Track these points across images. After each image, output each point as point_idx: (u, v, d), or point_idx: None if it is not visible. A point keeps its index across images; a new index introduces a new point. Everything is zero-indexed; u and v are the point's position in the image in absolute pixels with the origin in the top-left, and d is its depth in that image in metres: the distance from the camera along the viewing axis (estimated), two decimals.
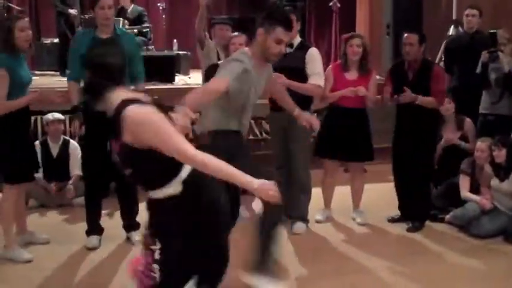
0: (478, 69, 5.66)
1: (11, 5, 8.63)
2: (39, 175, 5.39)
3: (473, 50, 5.87)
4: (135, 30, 8.31)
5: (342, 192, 5.48)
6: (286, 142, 4.91)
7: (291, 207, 4.80)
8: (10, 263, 4.29)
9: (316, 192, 5.24)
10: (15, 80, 4.18)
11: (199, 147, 3.42)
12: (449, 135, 5.60)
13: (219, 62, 4.94)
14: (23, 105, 4.25)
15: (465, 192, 5.16)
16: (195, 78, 8.02)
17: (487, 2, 7.09)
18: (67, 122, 6.13)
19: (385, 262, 4.38)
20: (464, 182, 5.21)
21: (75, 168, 5.76)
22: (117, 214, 4.90)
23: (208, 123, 3.54)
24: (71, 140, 5.97)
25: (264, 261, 3.54)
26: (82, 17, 8.52)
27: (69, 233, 4.97)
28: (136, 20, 8.70)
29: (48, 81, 7.95)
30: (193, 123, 3.02)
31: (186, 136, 2.56)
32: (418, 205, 5.13)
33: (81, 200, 5.19)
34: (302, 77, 4.73)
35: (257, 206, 4.04)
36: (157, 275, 2.50)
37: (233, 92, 3.34)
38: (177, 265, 2.49)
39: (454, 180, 5.33)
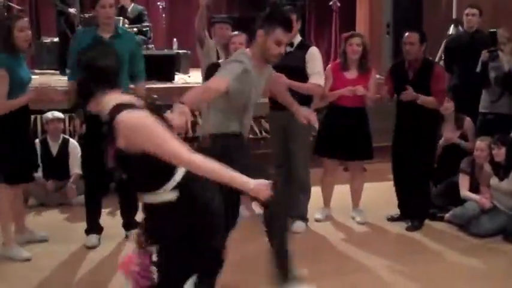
0: (478, 68, 5.66)
1: (11, 4, 8.63)
2: (38, 174, 5.39)
3: (473, 49, 5.87)
4: (135, 29, 8.31)
5: (342, 191, 5.48)
6: (286, 141, 4.91)
7: (290, 206, 4.80)
8: (9, 262, 4.30)
9: (316, 191, 5.24)
10: (15, 80, 4.18)
11: (200, 150, 3.43)
12: (449, 134, 5.60)
13: (219, 61, 4.95)
14: (23, 104, 4.25)
15: (465, 191, 5.16)
16: (194, 77, 8.02)
17: (487, 1, 7.09)
18: (67, 120, 6.16)
19: (384, 261, 4.38)
20: (463, 181, 5.21)
21: (75, 167, 5.77)
22: (117, 213, 4.90)
23: (208, 127, 3.54)
24: (71, 139, 5.98)
25: (287, 270, 3.58)
26: (82, 16, 8.53)
27: (68, 232, 4.97)
28: (136, 19, 8.70)
29: (48, 80, 7.92)
30: (193, 123, 3.03)
31: (184, 135, 2.55)
32: (418, 204, 5.13)
33: (80, 198, 5.19)
34: (302, 76, 4.72)
35: (257, 206, 4.06)
36: (155, 276, 2.50)
37: (233, 92, 3.35)
38: (174, 267, 2.49)
39: (454, 179, 5.33)
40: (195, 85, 6.38)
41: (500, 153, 4.90)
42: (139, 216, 4.46)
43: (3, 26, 4.23)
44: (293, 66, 4.63)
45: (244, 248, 4.32)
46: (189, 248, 2.48)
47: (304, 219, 5.05)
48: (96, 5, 4.48)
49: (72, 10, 8.45)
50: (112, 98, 2.41)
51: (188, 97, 3.10)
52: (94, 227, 4.70)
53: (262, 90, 3.69)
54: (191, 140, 5.96)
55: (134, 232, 3.00)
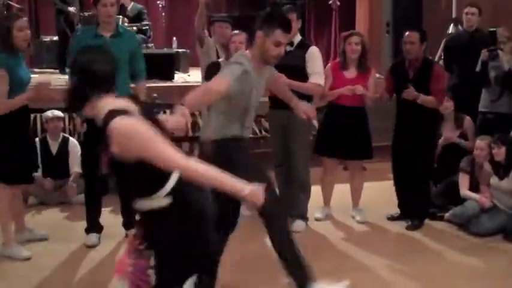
0: (478, 68, 5.66)
1: (10, 2, 8.62)
2: (38, 174, 5.39)
3: (473, 48, 5.86)
4: (135, 28, 8.30)
5: (342, 190, 5.48)
6: (286, 140, 4.91)
7: (290, 205, 4.81)
8: (9, 261, 4.30)
9: (316, 190, 5.24)
10: (15, 79, 4.17)
11: (202, 155, 3.43)
12: (449, 133, 5.59)
13: (219, 60, 4.95)
14: (24, 101, 4.24)
15: (464, 191, 5.16)
16: (194, 76, 8.01)
17: (487, 1, 7.08)
18: (66, 119, 6.15)
19: (384, 260, 4.39)
20: (463, 180, 5.21)
21: (75, 166, 5.76)
22: (117, 212, 4.90)
23: (210, 132, 3.52)
24: (70, 138, 5.97)
25: (305, 275, 3.56)
26: (81, 14, 8.52)
27: (68, 231, 4.97)
28: (136, 18, 8.69)
29: (48, 79, 7.92)
30: (193, 123, 3.02)
31: (185, 136, 2.54)
32: (418, 203, 5.13)
33: (80, 197, 5.19)
34: (302, 75, 4.72)
35: (245, 209, 4.05)
36: (152, 278, 2.50)
37: (234, 94, 3.33)
38: (169, 271, 2.49)
39: (454, 179, 5.33)
40: (195, 84, 6.40)
41: (500, 153, 4.90)
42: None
43: (2, 26, 4.22)
44: (293, 66, 4.62)
45: (244, 248, 4.33)
46: (183, 253, 2.48)
47: (304, 218, 5.05)
48: (97, 4, 4.47)
49: (71, 9, 8.45)
50: (107, 103, 2.38)
51: (189, 99, 3.11)
52: (94, 226, 4.70)
53: (262, 91, 3.68)
54: (191, 139, 5.98)
55: (130, 233, 2.99)
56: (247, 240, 4.38)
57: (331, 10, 10.03)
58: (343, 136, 5.03)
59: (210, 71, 4.35)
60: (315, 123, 5.24)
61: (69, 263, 4.32)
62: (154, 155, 2.30)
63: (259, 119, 6.66)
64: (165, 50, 9.12)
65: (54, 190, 5.74)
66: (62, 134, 5.92)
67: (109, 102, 2.39)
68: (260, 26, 3.40)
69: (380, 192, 5.80)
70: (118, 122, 2.28)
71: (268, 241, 3.63)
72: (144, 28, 8.68)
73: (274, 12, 3.43)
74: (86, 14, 8.38)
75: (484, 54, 5.57)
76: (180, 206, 2.47)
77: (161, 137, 2.34)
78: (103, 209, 4.82)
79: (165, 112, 6.29)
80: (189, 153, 4.29)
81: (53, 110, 5.77)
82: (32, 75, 4.62)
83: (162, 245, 2.48)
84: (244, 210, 4.17)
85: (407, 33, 4.98)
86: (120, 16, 8.10)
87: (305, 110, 3.96)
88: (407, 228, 5.07)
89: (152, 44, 9.01)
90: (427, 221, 5.18)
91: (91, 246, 4.58)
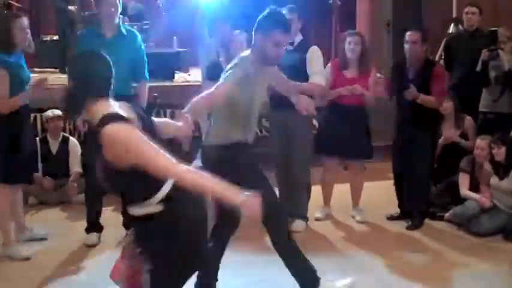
0: (478, 67, 5.66)
1: (11, 2, 8.62)
2: (38, 173, 5.39)
3: (473, 48, 5.86)
4: (135, 27, 8.29)
5: (342, 190, 5.48)
6: (286, 140, 4.91)
7: (290, 205, 4.80)
8: (8, 261, 4.30)
9: (316, 190, 5.24)
10: (15, 79, 4.17)
11: (204, 161, 3.42)
12: (449, 133, 5.59)
13: (219, 60, 4.94)
14: (24, 99, 4.24)
15: (465, 190, 5.16)
16: (194, 75, 8.01)
17: (487, 0, 7.07)
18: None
19: (384, 260, 4.39)
20: (463, 180, 5.21)
21: (75, 165, 5.77)
22: (117, 212, 4.90)
23: (212, 138, 3.52)
24: (71, 137, 5.98)
25: (308, 275, 3.59)
26: (82, 13, 8.51)
27: (68, 231, 4.97)
28: (136, 17, 8.69)
29: (48, 78, 7.92)
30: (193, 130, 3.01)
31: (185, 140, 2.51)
32: (418, 203, 5.13)
33: (81, 197, 5.19)
34: (303, 75, 4.72)
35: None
36: (147, 283, 2.50)
37: (235, 98, 3.32)
38: (165, 275, 2.49)
39: (454, 178, 5.33)
40: (195, 84, 6.40)
41: (500, 153, 4.90)
42: None
43: (2, 25, 4.22)
44: (293, 66, 4.62)
45: (244, 248, 4.32)
46: (176, 257, 2.48)
47: (304, 218, 5.05)
48: (99, 4, 4.47)
49: (72, 8, 8.44)
50: (102, 108, 2.36)
51: (193, 105, 3.15)
52: (94, 226, 4.70)
53: (264, 93, 3.67)
54: (191, 139, 5.96)
55: (126, 236, 2.98)
56: (247, 240, 4.38)
57: (331, 9, 10.01)
58: (344, 136, 5.03)
59: (210, 71, 4.35)
60: (315, 122, 5.26)
61: (69, 263, 4.32)
62: (146, 162, 2.27)
63: (260, 118, 6.65)
64: (165, 50, 9.11)
65: (54, 190, 5.75)
66: (62, 133, 5.92)
67: (104, 107, 2.36)
68: (259, 26, 3.39)
69: (380, 192, 5.79)
70: (110, 128, 2.25)
71: (268, 241, 3.64)
72: (144, 27, 8.68)
73: (273, 13, 3.42)
74: (87, 13, 8.37)
75: (484, 54, 5.57)
76: (173, 213, 2.45)
77: (154, 144, 2.30)
78: (103, 209, 4.82)
79: (165, 112, 6.35)
80: (189, 153, 4.26)
81: (53, 110, 5.78)
82: (32, 75, 4.61)
83: (155, 250, 2.47)
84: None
85: (409, 32, 4.97)
86: (121, 15, 8.10)
87: (305, 106, 3.93)
88: (407, 228, 5.07)
89: (152, 44, 9.01)
90: (427, 220, 5.18)
91: (91, 246, 4.58)
